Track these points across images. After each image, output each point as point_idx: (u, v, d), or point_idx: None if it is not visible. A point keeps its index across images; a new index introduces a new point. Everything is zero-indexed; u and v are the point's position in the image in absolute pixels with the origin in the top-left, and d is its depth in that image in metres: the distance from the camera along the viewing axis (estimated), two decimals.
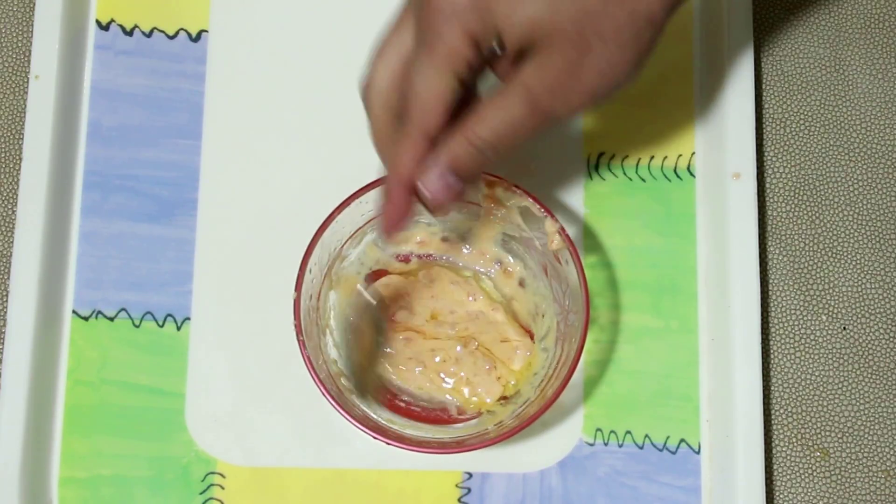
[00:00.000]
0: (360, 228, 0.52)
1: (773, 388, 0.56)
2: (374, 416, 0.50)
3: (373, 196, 0.50)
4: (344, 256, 0.53)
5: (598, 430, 0.55)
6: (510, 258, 0.54)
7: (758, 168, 0.57)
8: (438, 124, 0.40)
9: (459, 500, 0.54)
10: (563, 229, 0.49)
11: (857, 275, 0.58)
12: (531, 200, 0.49)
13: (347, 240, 0.52)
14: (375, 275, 0.54)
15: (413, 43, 0.40)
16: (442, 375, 0.53)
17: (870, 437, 0.56)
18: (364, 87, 0.43)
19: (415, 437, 0.49)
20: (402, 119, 0.41)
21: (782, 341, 0.57)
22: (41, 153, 0.54)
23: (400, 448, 0.48)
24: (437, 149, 0.41)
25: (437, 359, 0.53)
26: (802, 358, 0.57)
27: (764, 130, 0.59)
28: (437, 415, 0.53)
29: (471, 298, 0.53)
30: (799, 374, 0.57)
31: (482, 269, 0.54)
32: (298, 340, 0.48)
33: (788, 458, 0.56)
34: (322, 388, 0.47)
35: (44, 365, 0.53)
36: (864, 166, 0.59)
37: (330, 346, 0.52)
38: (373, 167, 0.57)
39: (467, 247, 0.54)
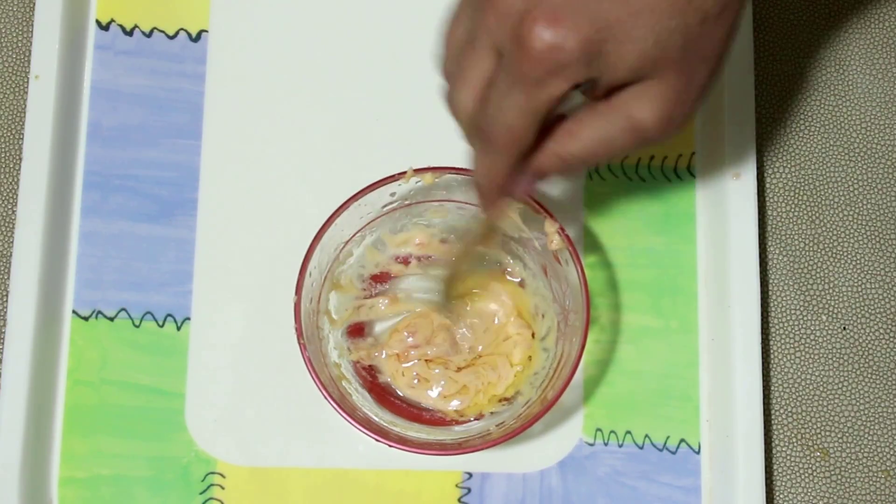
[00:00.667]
0: (359, 231, 0.52)
1: (773, 388, 0.56)
2: (376, 419, 0.50)
3: (372, 199, 0.49)
4: (343, 259, 0.53)
5: (598, 430, 0.55)
6: (509, 259, 0.54)
7: (758, 168, 0.57)
8: (528, 149, 0.40)
9: (459, 499, 0.54)
10: (562, 229, 0.49)
11: (857, 275, 0.58)
12: (531, 201, 0.49)
13: (347, 242, 0.52)
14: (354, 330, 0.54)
15: (499, 74, 0.38)
16: (442, 384, 0.53)
17: (870, 437, 0.56)
18: (449, 102, 0.42)
19: (416, 439, 0.49)
20: (488, 142, 0.40)
21: (782, 341, 0.57)
22: (41, 153, 0.54)
23: (402, 450, 0.48)
24: (529, 163, 0.41)
25: (437, 371, 0.53)
26: (802, 358, 0.57)
27: (764, 130, 0.59)
28: (438, 416, 0.53)
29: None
30: (799, 374, 0.57)
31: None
32: (299, 343, 0.48)
33: (788, 458, 0.56)
34: (324, 392, 0.47)
35: (44, 365, 0.53)
36: (864, 166, 0.59)
37: (331, 347, 0.52)
38: (373, 167, 0.57)
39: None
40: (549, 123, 0.40)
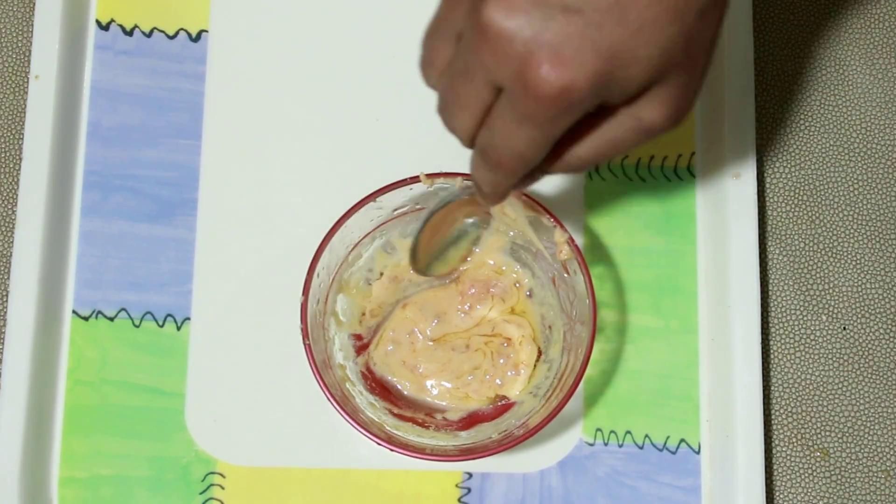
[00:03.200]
0: (368, 234, 0.52)
1: (773, 388, 0.56)
2: (379, 422, 0.50)
3: (384, 201, 0.49)
4: (353, 261, 0.53)
5: (598, 430, 0.55)
6: (518, 267, 0.54)
7: (758, 168, 0.57)
8: (532, 167, 0.40)
9: (459, 499, 0.54)
10: (571, 239, 0.48)
11: (857, 275, 0.58)
12: (541, 210, 0.49)
13: (356, 244, 0.52)
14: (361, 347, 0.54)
15: (505, 107, 0.38)
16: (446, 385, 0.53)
17: (870, 437, 0.56)
18: (444, 123, 0.41)
19: (419, 444, 0.49)
20: (494, 164, 0.40)
21: (782, 341, 0.57)
22: (41, 153, 0.54)
23: (405, 455, 0.47)
24: (534, 168, 0.40)
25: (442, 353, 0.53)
26: (802, 358, 0.57)
27: (764, 130, 0.59)
28: (442, 421, 0.53)
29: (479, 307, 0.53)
30: (799, 374, 0.57)
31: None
32: (305, 344, 0.48)
33: (788, 458, 0.56)
34: (327, 393, 0.47)
35: (44, 365, 0.53)
36: (864, 166, 0.59)
37: (336, 349, 0.52)
38: (373, 168, 0.57)
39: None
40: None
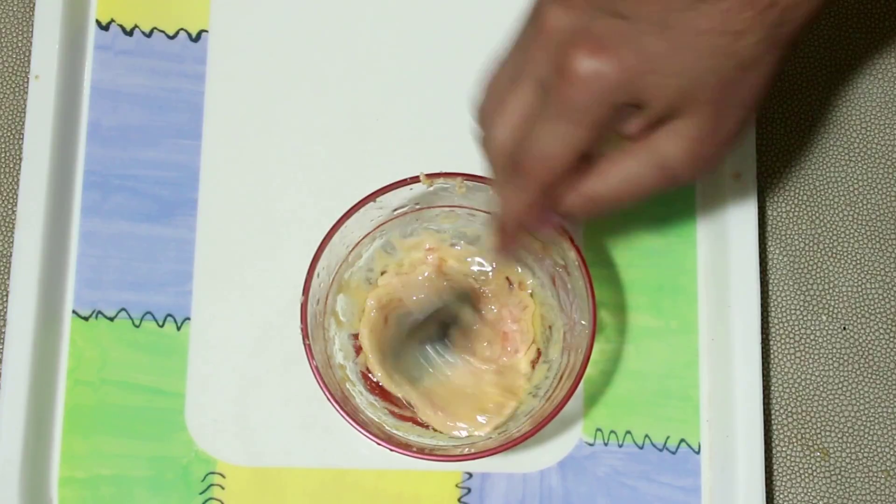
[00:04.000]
0: (368, 233, 0.52)
1: (773, 388, 0.56)
2: (379, 422, 0.50)
3: (384, 201, 0.49)
4: (353, 261, 0.53)
5: (598, 430, 0.55)
6: (518, 269, 0.54)
7: (758, 168, 0.57)
8: (560, 181, 0.40)
9: (459, 500, 0.54)
10: (572, 239, 0.48)
11: (857, 275, 0.58)
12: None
13: (356, 244, 0.52)
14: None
15: (541, 106, 0.39)
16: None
17: (870, 437, 0.56)
18: (484, 141, 0.42)
19: (419, 443, 0.49)
20: (521, 173, 0.40)
21: (782, 341, 0.57)
22: (41, 153, 0.54)
23: (405, 455, 0.47)
24: (554, 200, 0.41)
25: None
26: (802, 358, 0.57)
27: (764, 130, 0.59)
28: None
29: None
30: (799, 374, 0.57)
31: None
32: (305, 345, 0.48)
33: (788, 458, 0.56)
34: (327, 393, 0.47)
35: (44, 365, 0.53)
36: (864, 166, 0.59)
37: (336, 349, 0.52)
38: (373, 168, 0.57)
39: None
40: (580, 165, 0.40)
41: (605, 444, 0.55)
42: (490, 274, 0.53)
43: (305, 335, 0.48)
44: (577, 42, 0.37)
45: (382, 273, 0.54)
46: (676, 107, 0.38)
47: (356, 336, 0.53)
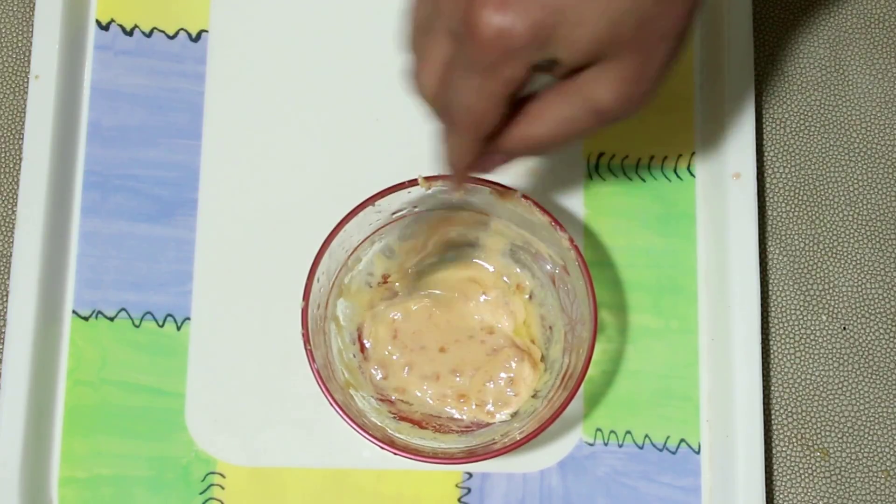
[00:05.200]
0: (367, 237, 0.52)
1: (773, 388, 0.56)
2: (381, 425, 0.50)
3: (383, 205, 0.49)
4: (352, 265, 0.53)
5: (598, 430, 0.55)
6: (518, 269, 0.54)
7: (758, 168, 0.57)
8: (491, 131, 0.40)
9: (459, 499, 0.54)
10: (571, 240, 0.48)
11: (857, 275, 0.58)
12: (541, 210, 0.49)
13: (355, 248, 0.52)
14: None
15: (456, 57, 0.38)
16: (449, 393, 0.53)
17: (870, 437, 0.56)
18: (413, 84, 0.42)
19: (421, 446, 0.49)
20: (452, 124, 0.40)
21: (782, 341, 0.57)
22: (41, 153, 0.54)
23: (407, 458, 0.47)
24: (495, 144, 0.41)
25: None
26: (802, 358, 0.57)
27: (764, 130, 0.59)
28: (443, 424, 0.53)
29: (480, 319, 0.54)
30: (799, 374, 0.57)
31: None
32: (306, 349, 0.48)
33: (788, 458, 0.56)
34: (329, 397, 0.47)
35: (44, 365, 0.53)
36: (864, 166, 0.59)
37: (336, 353, 0.52)
38: (373, 168, 0.57)
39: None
40: (516, 103, 0.39)
41: (605, 444, 0.55)
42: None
43: (307, 340, 0.48)
44: None
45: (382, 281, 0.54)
46: (598, 52, 0.37)
47: (358, 338, 0.53)
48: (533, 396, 0.52)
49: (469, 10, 0.36)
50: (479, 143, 0.40)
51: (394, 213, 0.51)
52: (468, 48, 0.37)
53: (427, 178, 0.48)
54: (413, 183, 0.48)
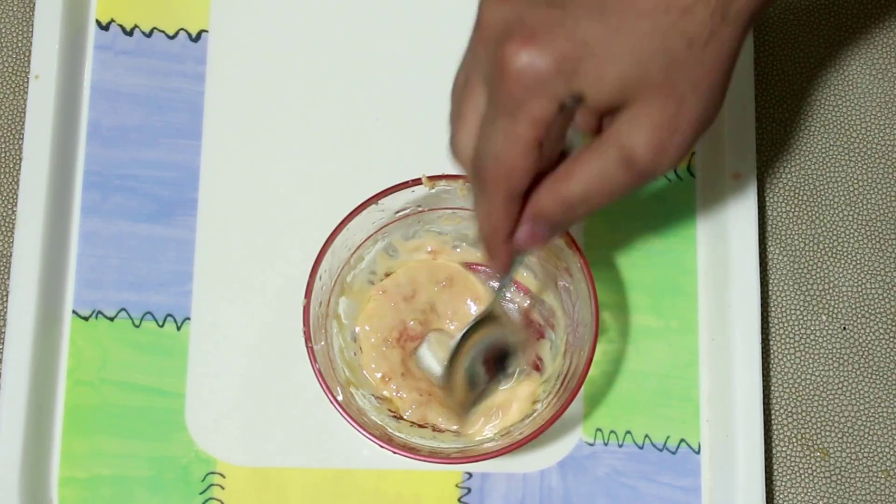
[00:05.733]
0: (370, 236, 0.52)
1: (773, 388, 0.56)
2: (381, 424, 0.50)
3: (386, 203, 0.49)
4: (354, 264, 0.53)
5: (598, 430, 0.55)
6: (521, 271, 0.53)
7: (758, 168, 0.57)
8: (523, 186, 0.39)
9: (459, 499, 0.54)
10: (572, 240, 0.48)
11: (857, 275, 0.58)
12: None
13: (358, 247, 0.52)
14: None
15: (487, 105, 0.38)
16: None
17: (870, 437, 0.56)
18: (451, 150, 0.41)
19: (421, 446, 0.49)
20: (482, 179, 0.39)
21: (782, 341, 0.57)
22: (41, 153, 0.54)
23: (407, 457, 0.47)
24: (528, 206, 0.39)
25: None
26: (802, 358, 0.57)
27: (764, 130, 0.59)
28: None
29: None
30: (799, 374, 0.57)
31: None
32: (307, 348, 0.47)
33: (788, 458, 0.56)
34: (329, 395, 0.47)
35: (44, 365, 0.53)
36: (864, 166, 0.59)
37: (338, 351, 0.52)
38: (374, 168, 0.57)
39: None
40: (547, 167, 0.39)
41: (605, 444, 0.55)
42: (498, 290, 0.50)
43: (308, 338, 0.48)
44: (511, 35, 0.36)
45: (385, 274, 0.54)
46: (624, 92, 0.36)
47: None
48: (532, 403, 0.52)
49: (498, 49, 0.36)
50: (510, 203, 0.39)
51: (397, 212, 0.51)
52: (497, 89, 0.37)
53: (430, 178, 0.48)
54: (417, 182, 0.48)
